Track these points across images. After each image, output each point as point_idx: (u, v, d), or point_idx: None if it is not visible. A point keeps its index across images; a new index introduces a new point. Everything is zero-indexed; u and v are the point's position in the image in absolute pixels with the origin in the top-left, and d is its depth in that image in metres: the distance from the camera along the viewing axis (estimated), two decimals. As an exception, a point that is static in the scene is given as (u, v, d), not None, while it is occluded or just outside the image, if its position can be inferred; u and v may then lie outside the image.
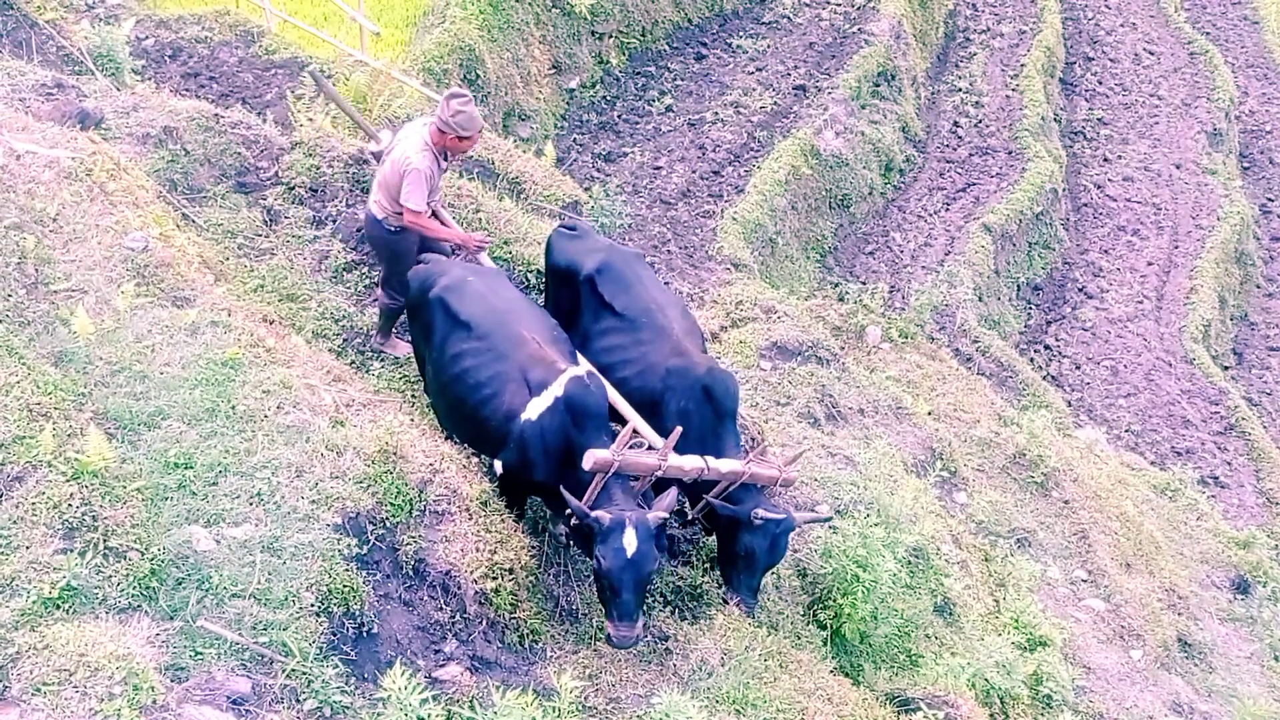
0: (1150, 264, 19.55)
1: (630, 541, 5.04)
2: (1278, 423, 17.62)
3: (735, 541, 5.89)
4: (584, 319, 6.47)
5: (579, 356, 5.90)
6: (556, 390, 5.45)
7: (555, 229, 7.12)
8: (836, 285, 15.14)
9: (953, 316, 15.39)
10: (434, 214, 6.72)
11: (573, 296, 6.59)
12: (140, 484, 4.47)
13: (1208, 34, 25.81)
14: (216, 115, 8.16)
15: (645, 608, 5.24)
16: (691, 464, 5.64)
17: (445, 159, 6.58)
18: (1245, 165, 23.16)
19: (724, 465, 5.78)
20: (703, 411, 5.99)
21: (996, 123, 20.13)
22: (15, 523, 4.00)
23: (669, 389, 6.05)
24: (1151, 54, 24.37)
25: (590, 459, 5.24)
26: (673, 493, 5.53)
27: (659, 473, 5.51)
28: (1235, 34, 26.45)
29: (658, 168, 15.54)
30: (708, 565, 6.51)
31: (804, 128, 16.40)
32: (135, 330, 5.28)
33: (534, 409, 5.45)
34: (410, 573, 4.98)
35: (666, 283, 7.03)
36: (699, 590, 6.28)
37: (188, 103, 8.19)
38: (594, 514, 5.18)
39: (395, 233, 6.72)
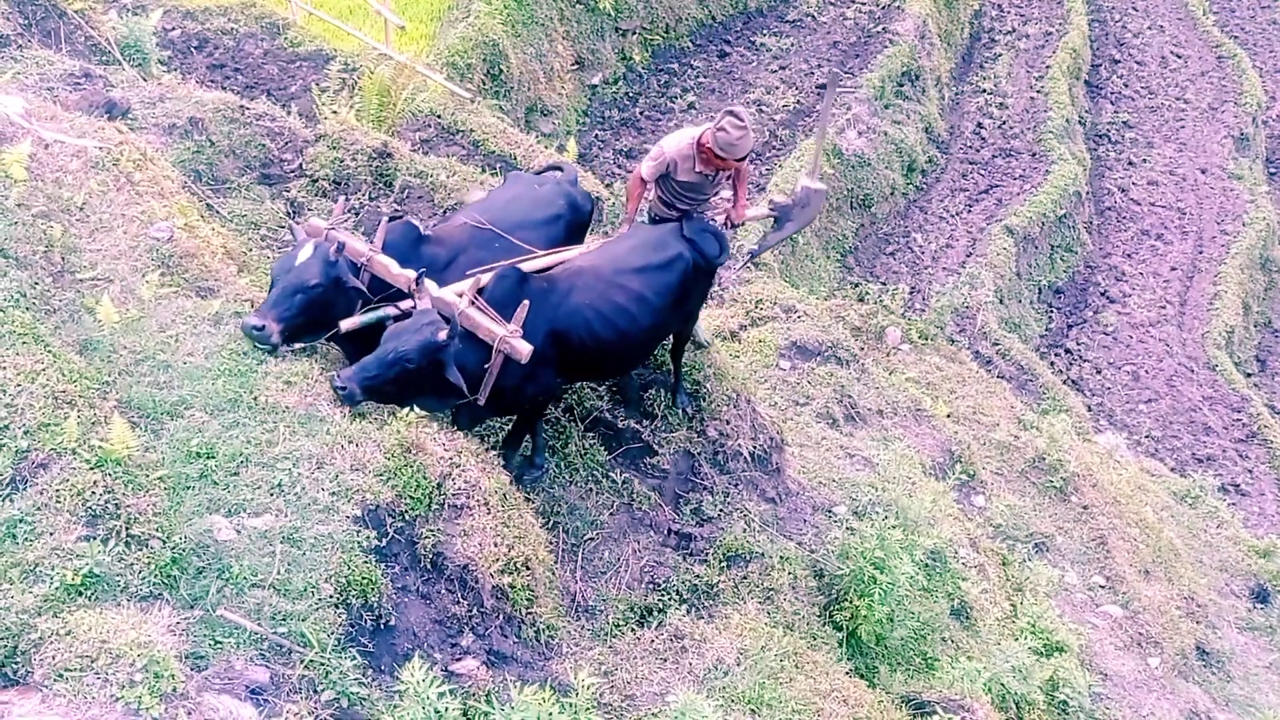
0: (1174, 269, 19.40)
1: (304, 252, 5.38)
2: (1300, 431, 17.47)
3: None
4: None
5: (524, 256, 6.05)
6: None
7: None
8: (857, 285, 15.10)
9: (973, 319, 15.34)
10: (687, 215, 6.57)
11: None
12: (163, 473, 4.49)
13: (1236, 38, 25.58)
14: (242, 107, 8.18)
15: (288, 325, 5.26)
16: (399, 271, 5.65)
17: (700, 163, 6.41)
18: (1271, 171, 22.96)
19: (439, 293, 5.62)
20: None
21: (1020, 124, 20.01)
22: (39, 509, 4.03)
23: None
24: (1179, 57, 24.16)
25: (304, 223, 5.79)
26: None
27: (365, 261, 5.61)
28: (1264, 38, 26.20)
29: (679, 165, 15.50)
30: (724, 564, 6.51)
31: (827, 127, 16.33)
32: (159, 320, 5.29)
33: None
34: (428, 566, 4.98)
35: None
36: (714, 589, 6.28)
37: (213, 94, 8.20)
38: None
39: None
